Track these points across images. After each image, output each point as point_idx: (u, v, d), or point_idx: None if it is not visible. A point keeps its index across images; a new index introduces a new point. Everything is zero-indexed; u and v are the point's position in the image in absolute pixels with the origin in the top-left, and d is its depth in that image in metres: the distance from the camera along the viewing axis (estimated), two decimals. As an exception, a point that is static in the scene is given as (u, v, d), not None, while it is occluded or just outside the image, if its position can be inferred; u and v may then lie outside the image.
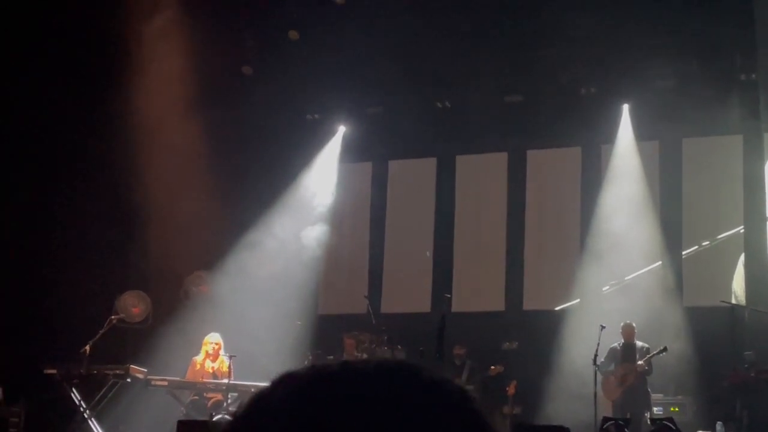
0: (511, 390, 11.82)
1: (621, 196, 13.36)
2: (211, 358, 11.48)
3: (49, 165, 13.22)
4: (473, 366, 12.56)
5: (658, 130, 13.57)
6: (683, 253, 13.27)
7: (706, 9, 12.16)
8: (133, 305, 12.84)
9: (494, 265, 14.26)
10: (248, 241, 13.77)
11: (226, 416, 10.23)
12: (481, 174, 14.82)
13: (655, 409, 11.75)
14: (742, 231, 12.94)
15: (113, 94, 12.69)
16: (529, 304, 13.96)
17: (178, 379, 11.42)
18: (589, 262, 13.23)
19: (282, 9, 13.60)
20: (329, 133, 15.07)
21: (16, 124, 12.92)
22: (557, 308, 13.49)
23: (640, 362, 11.54)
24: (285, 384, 0.92)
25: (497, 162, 14.68)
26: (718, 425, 10.91)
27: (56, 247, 12.88)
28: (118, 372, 11.07)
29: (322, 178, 14.96)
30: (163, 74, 12.95)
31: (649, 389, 11.70)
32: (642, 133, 13.67)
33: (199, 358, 11.54)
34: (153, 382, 11.22)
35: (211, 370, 11.45)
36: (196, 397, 11.28)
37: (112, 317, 11.64)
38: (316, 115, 15.15)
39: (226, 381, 11.04)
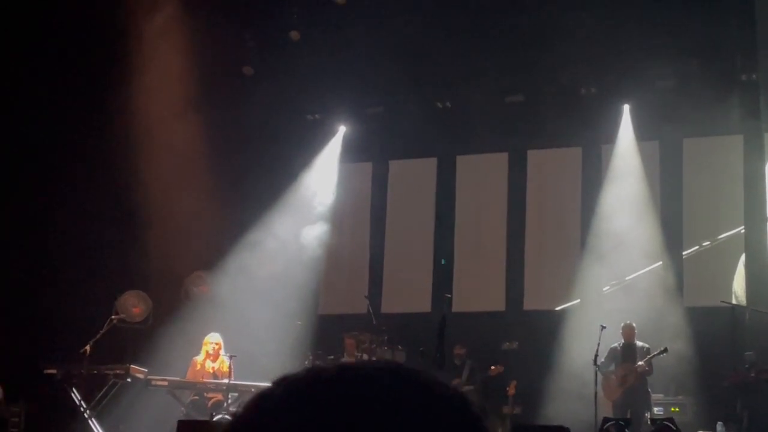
0: (511, 390, 11.82)
1: (621, 196, 13.36)
2: (211, 358, 11.48)
3: (49, 165, 13.22)
4: (473, 366, 12.56)
5: (658, 130, 13.57)
6: (684, 253, 13.27)
7: (707, 9, 12.16)
8: (133, 305, 12.83)
9: (494, 265, 14.26)
10: (248, 241, 13.77)
11: (227, 416, 10.23)
12: (482, 174, 14.82)
13: (655, 409, 11.74)
14: (743, 231, 12.94)
15: (113, 93, 12.69)
16: (529, 304, 13.96)
17: (178, 379, 11.43)
18: (590, 262, 13.23)
19: (283, 9, 13.61)
20: (330, 133, 15.08)
21: (15, 123, 12.91)
22: (558, 308, 13.49)
23: (640, 363, 11.54)
24: (282, 387, 0.92)
25: (498, 162, 14.68)
26: (719, 425, 10.91)
27: (56, 247, 12.88)
28: (118, 372, 11.07)
29: (323, 178, 14.97)
30: (164, 74, 12.96)
31: (649, 389, 11.69)
32: (642, 133, 13.67)
33: (199, 358, 11.54)
34: (153, 382, 11.23)
35: (211, 370, 11.45)
36: (197, 397, 11.28)
37: (113, 317, 11.64)
38: (317, 115, 15.16)
39: (226, 381, 11.04)
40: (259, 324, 12.51)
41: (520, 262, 14.18)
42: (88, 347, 10.77)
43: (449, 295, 12.26)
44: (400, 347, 13.27)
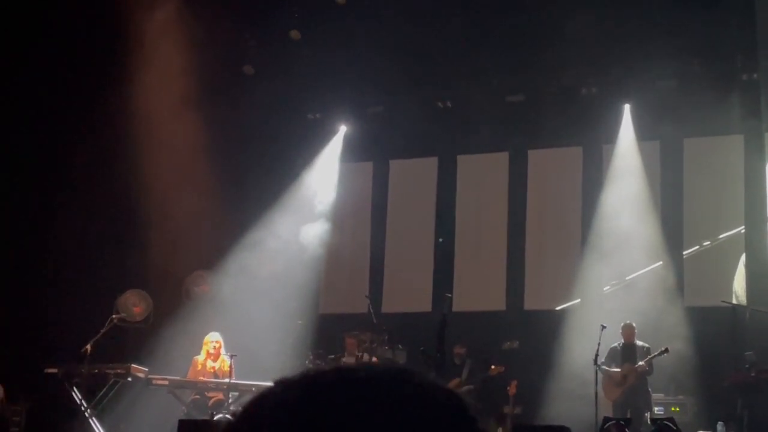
0: (511, 390, 11.81)
1: (622, 196, 13.36)
2: (212, 357, 11.49)
3: (49, 164, 13.23)
4: (473, 365, 12.55)
5: (659, 130, 13.56)
6: (684, 252, 13.26)
7: (707, 9, 12.15)
8: (134, 304, 12.84)
9: (495, 265, 14.25)
10: (249, 240, 13.77)
11: (227, 416, 10.24)
12: (482, 174, 14.81)
13: (655, 408, 11.74)
14: (743, 231, 12.93)
15: (113, 93, 12.70)
16: (529, 304, 13.96)
17: (179, 378, 11.43)
18: (590, 261, 13.23)
19: (283, 9, 13.61)
20: (330, 133, 15.08)
21: (15, 123, 12.91)
22: (558, 308, 13.49)
23: (640, 363, 11.54)
24: (281, 389, 0.92)
25: (498, 162, 14.67)
26: (719, 425, 10.91)
27: (57, 246, 12.89)
28: (119, 371, 11.07)
29: (323, 178, 14.97)
30: (164, 73, 12.96)
31: (649, 389, 11.69)
32: (643, 133, 13.67)
33: (200, 358, 11.55)
34: (154, 382, 11.23)
35: (212, 370, 11.46)
36: (197, 397, 11.29)
37: (113, 316, 11.64)
38: (317, 115, 15.16)
39: (227, 380, 11.05)
40: (260, 323, 12.51)
41: (520, 262, 14.18)
42: (88, 346, 10.77)
43: (450, 295, 12.23)
44: (400, 347, 13.28)
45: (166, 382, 11.28)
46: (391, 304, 14.41)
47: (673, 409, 11.88)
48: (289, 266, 13.86)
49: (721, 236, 13.08)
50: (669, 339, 11.90)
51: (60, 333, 11.74)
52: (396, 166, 15.30)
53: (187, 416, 10.56)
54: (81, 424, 10.79)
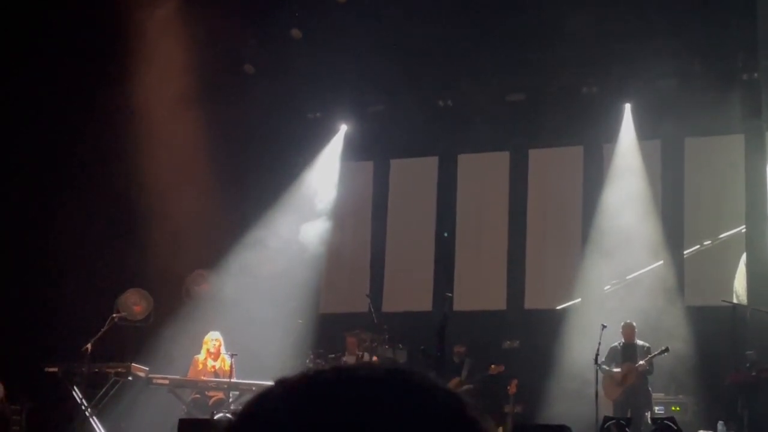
0: (512, 389, 11.81)
1: (623, 196, 13.36)
2: (212, 356, 11.49)
3: (49, 163, 13.22)
4: (472, 364, 12.55)
5: (659, 129, 13.56)
6: (685, 252, 13.26)
7: (709, 8, 12.15)
8: (134, 303, 12.84)
9: (496, 264, 14.26)
10: (250, 239, 13.77)
11: (228, 415, 10.24)
12: (483, 173, 14.82)
13: (656, 408, 11.74)
14: (744, 230, 12.93)
15: (113, 92, 12.69)
16: (530, 303, 13.96)
17: (179, 377, 11.44)
18: (591, 261, 13.23)
19: (284, 8, 13.60)
20: (331, 132, 15.08)
21: (14, 122, 12.90)
22: (558, 307, 13.49)
23: (641, 362, 11.54)
24: (281, 388, 0.92)
25: (499, 161, 14.67)
26: (720, 425, 10.91)
27: (57, 245, 12.87)
28: (119, 370, 11.07)
29: (324, 177, 14.97)
30: (165, 72, 12.95)
31: (650, 388, 11.69)
32: (644, 133, 13.67)
33: (200, 357, 11.55)
34: (154, 381, 11.23)
35: (212, 369, 11.46)
36: (198, 396, 11.29)
37: (114, 315, 11.63)
38: (318, 114, 15.16)
39: (227, 380, 11.05)
40: (261, 322, 12.51)
41: (521, 261, 14.18)
42: (89, 345, 10.77)
43: (450, 294, 12.25)
44: (401, 346, 13.28)
45: (167, 382, 11.29)
46: (391, 304, 14.41)
47: (673, 408, 11.88)
48: (290, 265, 13.86)
49: (721, 236, 13.08)
50: (669, 338, 11.90)
51: (60, 332, 11.74)
52: (396, 165, 15.30)
53: (188, 415, 10.56)
54: (81, 423, 10.79)
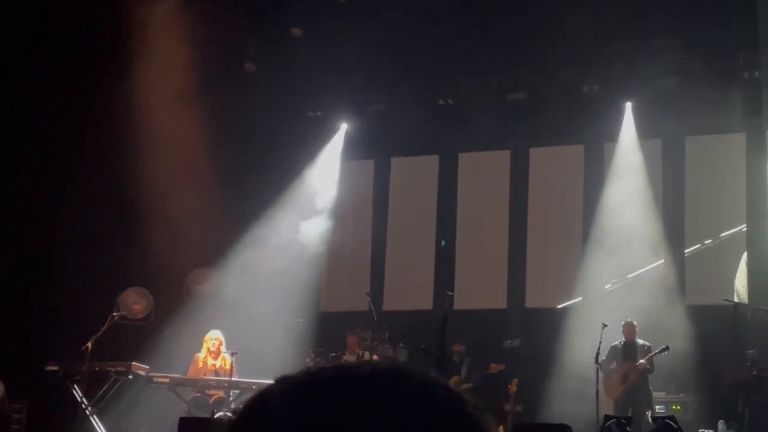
0: (512, 388, 11.81)
1: (623, 195, 13.36)
2: (212, 355, 11.50)
3: (49, 161, 13.21)
4: (472, 363, 12.56)
5: (660, 128, 13.56)
6: (686, 251, 13.26)
7: (709, 7, 12.15)
8: (135, 302, 12.84)
9: (496, 263, 14.26)
10: (250, 238, 13.76)
11: (228, 413, 10.24)
12: (484, 172, 14.82)
13: (656, 407, 11.75)
14: (745, 229, 12.93)
15: (114, 89, 12.68)
16: (531, 302, 13.96)
17: (179, 376, 11.44)
18: (592, 260, 13.23)
19: (285, 6, 13.60)
20: (331, 131, 15.08)
21: (14, 121, 12.89)
22: (559, 306, 13.49)
23: (641, 361, 11.54)
24: (282, 387, 0.92)
25: (500, 160, 14.67)
26: (720, 423, 10.90)
27: (58, 244, 12.87)
28: (119, 369, 11.08)
29: (325, 176, 14.97)
30: (165, 70, 12.95)
31: (650, 387, 11.70)
32: (645, 131, 13.67)
33: (201, 356, 11.57)
34: (155, 379, 11.24)
35: (213, 368, 11.47)
36: (198, 395, 11.30)
37: (114, 314, 11.64)
38: (318, 112, 15.16)
39: (228, 378, 11.05)
40: (261, 321, 12.51)
41: (521, 260, 14.18)
42: (89, 344, 10.78)
43: (451, 293, 12.25)
44: (401, 345, 13.29)
45: (167, 380, 11.29)
46: (392, 302, 14.41)
47: (674, 407, 11.88)
48: (290, 264, 13.86)
49: (722, 234, 13.08)
50: (670, 337, 11.90)
51: (61, 331, 11.74)
52: (397, 163, 15.30)
53: (188, 414, 10.57)
54: (82, 421, 10.79)
